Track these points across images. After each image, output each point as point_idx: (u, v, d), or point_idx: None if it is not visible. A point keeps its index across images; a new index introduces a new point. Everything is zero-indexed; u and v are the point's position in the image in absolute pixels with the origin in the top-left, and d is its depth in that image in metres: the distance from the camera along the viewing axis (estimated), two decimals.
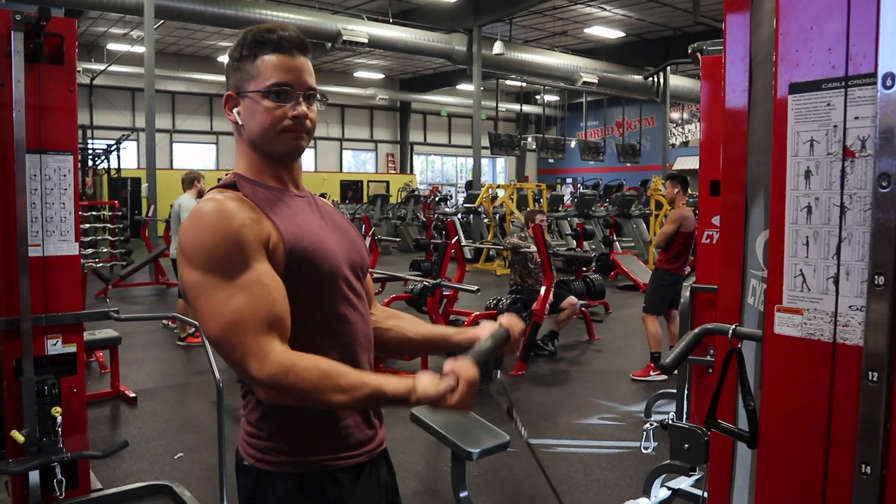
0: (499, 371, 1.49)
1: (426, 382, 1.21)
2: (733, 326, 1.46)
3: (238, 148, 1.41)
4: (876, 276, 1.07)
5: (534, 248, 6.11)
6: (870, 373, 1.10)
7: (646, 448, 2.45)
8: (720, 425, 1.47)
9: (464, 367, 1.22)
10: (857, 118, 1.23)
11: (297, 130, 1.34)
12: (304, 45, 1.38)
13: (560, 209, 14.63)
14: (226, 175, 1.45)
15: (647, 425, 2.42)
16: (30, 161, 3.10)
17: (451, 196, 25.44)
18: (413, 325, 1.58)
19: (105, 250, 11.26)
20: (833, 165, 1.27)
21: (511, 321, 1.46)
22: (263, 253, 1.26)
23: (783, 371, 1.36)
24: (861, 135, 1.22)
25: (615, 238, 12.95)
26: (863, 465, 1.11)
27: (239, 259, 1.23)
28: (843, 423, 1.23)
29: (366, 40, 14.98)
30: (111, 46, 19.11)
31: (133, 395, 5.01)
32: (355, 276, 1.42)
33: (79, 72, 18.62)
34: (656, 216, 13.45)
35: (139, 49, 14.99)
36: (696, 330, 1.53)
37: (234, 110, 1.37)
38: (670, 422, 2.17)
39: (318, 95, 1.39)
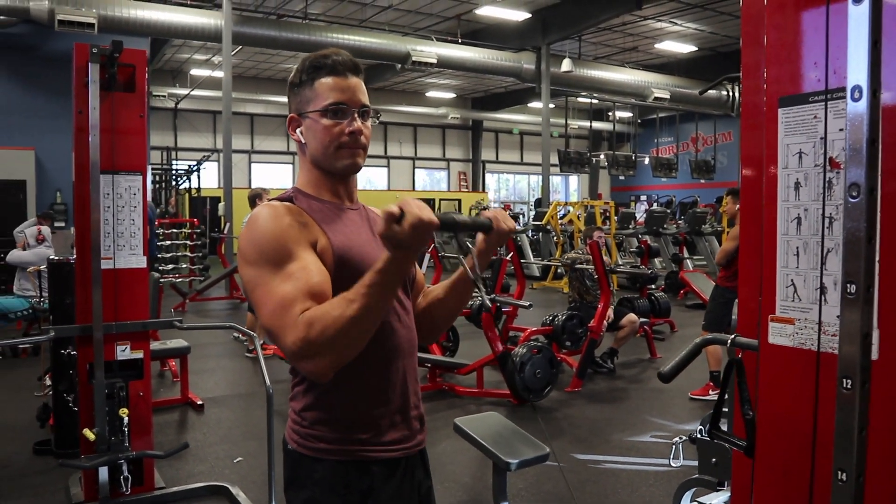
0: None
1: (379, 226, 1.21)
2: (732, 337, 1.48)
3: (301, 165, 1.55)
4: (848, 285, 1.09)
5: (592, 265, 6.10)
6: (844, 380, 1.11)
7: (675, 463, 2.44)
8: (720, 434, 1.49)
9: (407, 200, 1.23)
10: (840, 130, 1.26)
11: (352, 146, 1.46)
12: (356, 67, 1.50)
13: (631, 226, 14.44)
14: None
15: (677, 439, 2.42)
16: (103, 181, 3.36)
17: (522, 213, 25.42)
18: (441, 286, 1.63)
19: (185, 266, 11.85)
20: (820, 177, 1.29)
21: (498, 214, 1.46)
22: (310, 248, 1.38)
23: (777, 380, 1.38)
24: (845, 146, 1.24)
25: (685, 256, 12.67)
26: (839, 472, 1.12)
27: (285, 252, 1.35)
28: (827, 432, 1.24)
29: (435, 61, 15.23)
30: (194, 72, 20.08)
31: (201, 402, 5.26)
32: (401, 287, 1.52)
33: (164, 96, 19.75)
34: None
35: (219, 74, 15.74)
36: (697, 340, 1.55)
37: (298, 130, 1.50)
38: (698, 436, 2.17)
39: (372, 112, 1.51)
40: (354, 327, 1.25)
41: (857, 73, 1.07)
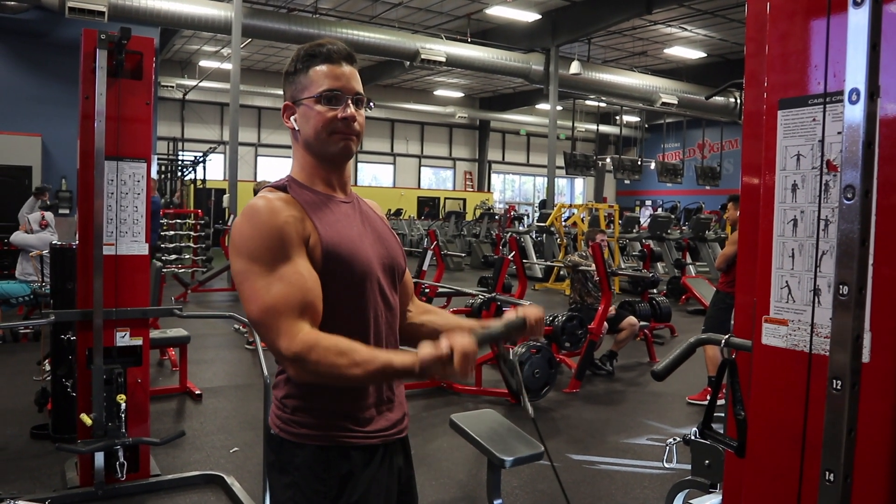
0: (509, 350, 1.49)
1: (426, 351, 1.29)
2: (726, 337, 1.49)
3: (294, 152, 1.57)
4: (841, 287, 1.09)
5: (593, 267, 6.10)
6: (834, 381, 1.11)
7: (669, 465, 2.45)
8: (712, 434, 1.49)
9: (459, 337, 1.29)
10: (839, 133, 1.26)
11: (346, 132, 1.48)
12: (350, 55, 1.51)
13: (635, 231, 14.44)
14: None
15: (670, 441, 2.42)
16: (108, 167, 3.37)
17: (527, 215, 25.43)
18: (444, 318, 1.67)
19: (188, 257, 11.88)
20: (817, 179, 1.30)
21: (529, 310, 1.48)
22: (303, 248, 1.41)
23: (769, 381, 1.38)
24: (842, 149, 1.25)
25: (688, 261, 12.65)
26: (827, 473, 1.13)
27: (280, 251, 1.37)
28: (817, 432, 1.24)
29: (443, 59, 15.25)
30: (203, 63, 20.13)
31: (199, 392, 5.27)
32: (389, 281, 1.54)
33: (172, 87, 19.77)
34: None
35: (228, 66, 15.77)
36: (692, 339, 1.56)
37: (292, 118, 1.53)
38: (692, 437, 2.17)
39: (365, 100, 1.53)
40: (344, 381, 1.37)
41: (855, 75, 1.08)
